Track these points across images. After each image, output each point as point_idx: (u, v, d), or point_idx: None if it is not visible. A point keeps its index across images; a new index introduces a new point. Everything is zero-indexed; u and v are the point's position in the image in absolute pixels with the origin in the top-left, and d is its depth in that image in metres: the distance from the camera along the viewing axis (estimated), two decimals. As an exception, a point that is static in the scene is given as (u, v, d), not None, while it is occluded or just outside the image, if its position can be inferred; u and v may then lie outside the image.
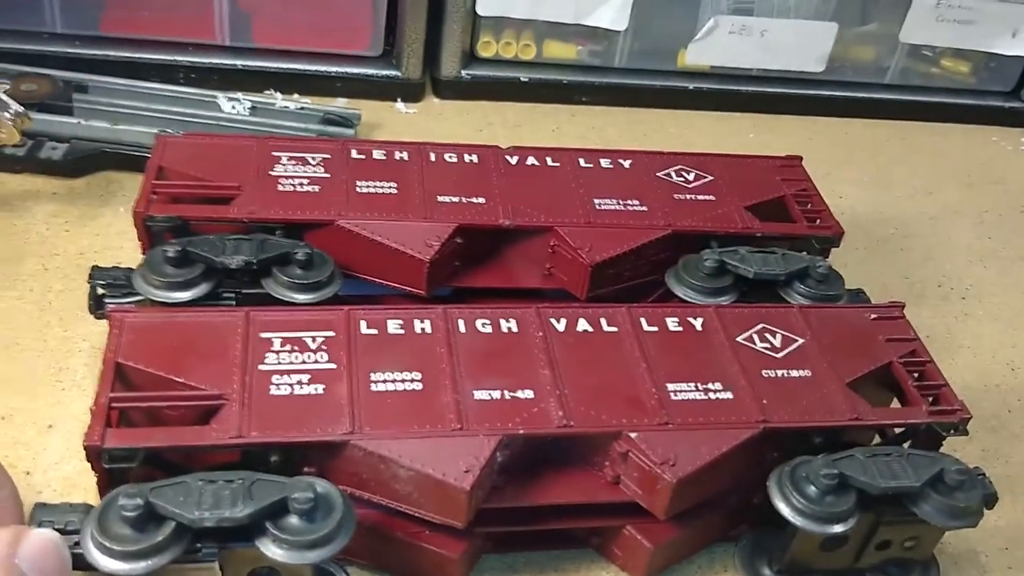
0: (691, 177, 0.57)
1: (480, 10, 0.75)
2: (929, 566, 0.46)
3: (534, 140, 0.74)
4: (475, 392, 0.41)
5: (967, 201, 0.77)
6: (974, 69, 0.86)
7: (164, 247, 0.46)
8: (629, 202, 0.54)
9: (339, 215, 0.50)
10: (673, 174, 0.57)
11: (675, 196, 0.55)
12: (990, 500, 0.43)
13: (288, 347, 0.42)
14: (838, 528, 0.40)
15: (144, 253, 0.50)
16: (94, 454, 0.37)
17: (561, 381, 0.42)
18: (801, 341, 0.46)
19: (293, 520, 0.36)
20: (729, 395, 0.43)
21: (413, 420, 0.40)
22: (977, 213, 0.76)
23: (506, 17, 0.77)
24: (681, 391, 0.43)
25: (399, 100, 0.77)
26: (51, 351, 0.51)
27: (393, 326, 0.44)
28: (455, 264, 0.52)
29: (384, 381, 0.41)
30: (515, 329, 0.45)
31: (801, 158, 0.60)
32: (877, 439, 0.48)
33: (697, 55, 0.80)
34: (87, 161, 0.63)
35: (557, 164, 0.56)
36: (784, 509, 0.40)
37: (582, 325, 0.45)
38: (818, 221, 0.55)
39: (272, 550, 0.36)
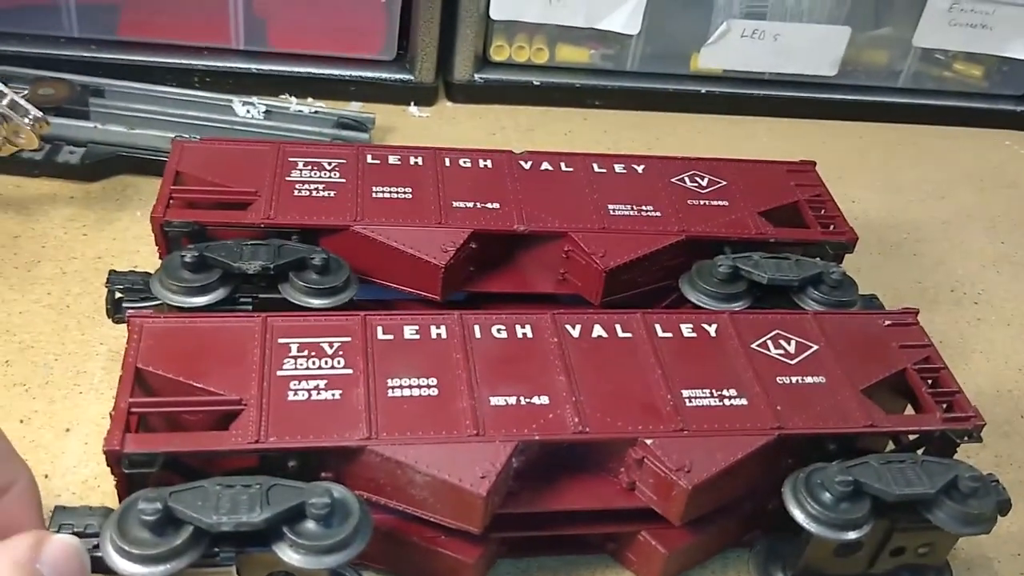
0: (705, 182, 0.57)
1: (493, 14, 0.76)
2: (942, 572, 0.46)
3: (547, 144, 0.75)
4: (491, 398, 0.41)
5: (979, 206, 0.77)
6: (986, 73, 0.86)
7: (182, 252, 0.46)
8: (643, 208, 0.54)
9: (355, 220, 0.50)
10: (687, 179, 0.57)
11: (689, 202, 0.55)
12: (1004, 507, 0.43)
13: (305, 353, 0.42)
14: (853, 535, 0.40)
15: (161, 258, 0.50)
16: (114, 459, 0.37)
17: (576, 387, 0.42)
18: (815, 347, 0.46)
19: (310, 525, 0.36)
20: (744, 402, 0.43)
21: (430, 426, 0.40)
22: (989, 218, 0.76)
23: (519, 21, 0.77)
24: (696, 397, 0.43)
25: (412, 104, 0.78)
26: (69, 355, 0.52)
27: (409, 332, 0.44)
28: (470, 269, 0.52)
29: (400, 387, 0.41)
30: (530, 335, 0.45)
31: (815, 163, 0.60)
32: (891, 446, 0.48)
33: (709, 59, 0.80)
34: (103, 165, 0.64)
35: (571, 169, 0.56)
36: (799, 515, 0.41)
37: (597, 331, 0.45)
38: (832, 227, 0.56)
39: (289, 555, 0.36)
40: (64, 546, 0.33)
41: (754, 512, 0.45)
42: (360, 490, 0.39)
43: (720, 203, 0.55)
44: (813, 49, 0.81)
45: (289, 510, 0.36)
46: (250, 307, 0.47)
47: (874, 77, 0.84)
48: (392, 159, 0.55)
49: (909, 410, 0.48)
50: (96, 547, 0.35)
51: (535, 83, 0.79)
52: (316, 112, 0.70)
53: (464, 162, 0.56)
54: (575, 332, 0.45)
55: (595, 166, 0.57)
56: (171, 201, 0.50)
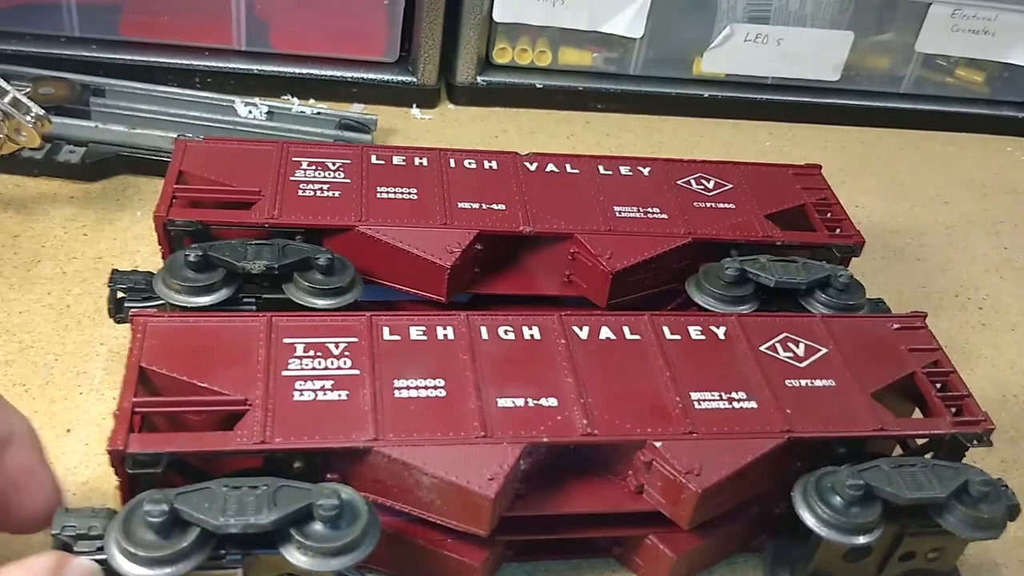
0: (711, 185, 0.57)
1: (496, 17, 0.75)
2: (951, 577, 0.46)
3: (549, 147, 0.74)
4: (498, 400, 0.41)
5: (982, 211, 0.77)
6: (988, 79, 0.86)
7: (186, 251, 0.46)
8: (649, 210, 0.54)
9: (359, 221, 0.50)
10: (693, 182, 0.57)
11: (695, 204, 0.55)
12: (1014, 512, 0.42)
13: (311, 353, 0.42)
14: (863, 539, 0.40)
15: (164, 257, 0.50)
16: (117, 459, 0.37)
17: (584, 389, 0.42)
18: (824, 351, 0.46)
19: (318, 527, 0.35)
20: (753, 404, 0.43)
21: (437, 427, 0.40)
22: (992, 223, 0.75)
23: (522, 24, 0.77)
24: (705, 400, 0.43)
25: (414, 106, 0.77)
26: (69, 355, 0.51)
27: (416, 332, 0.44)
28: (475, 270, 0.52)
29: (407, 388, 0.41)
30: (537, 336, 0.45)
31: (820, 167, 0.60)
32: (898, 449, 0.48)
33: (713, 63, 0.80)
34: (104, 165, 0.63)
35: (576, 171, 0.56)
36: (809, 519, 0.40)
37: (605, 333, 0.45)
38: (838, 230, 0.55)
39: (296, 557, 0.35)
40: (84, 571, 0.33)
41: (762, 516, 0.45)
42: (366, 491, 0.39)
43: (726, 206, 0.55)
44: (816, 54, 0.80)
45: (297, 512, 0.35)
46: (254, 307, 0.47)
47: (876, 82, 0.84)
48: (397, 159, 0.55)
49: (917, 414, 0.47)
50: (100, 549, 0.35)
51: (538, 86, 0.79)
52: (319, 113, 0.70)
53: (469, 163, 0.55)
54: (583, 334, 0.45)
55: (601, 168, 0.57)
56: (174, 200, 0.49)
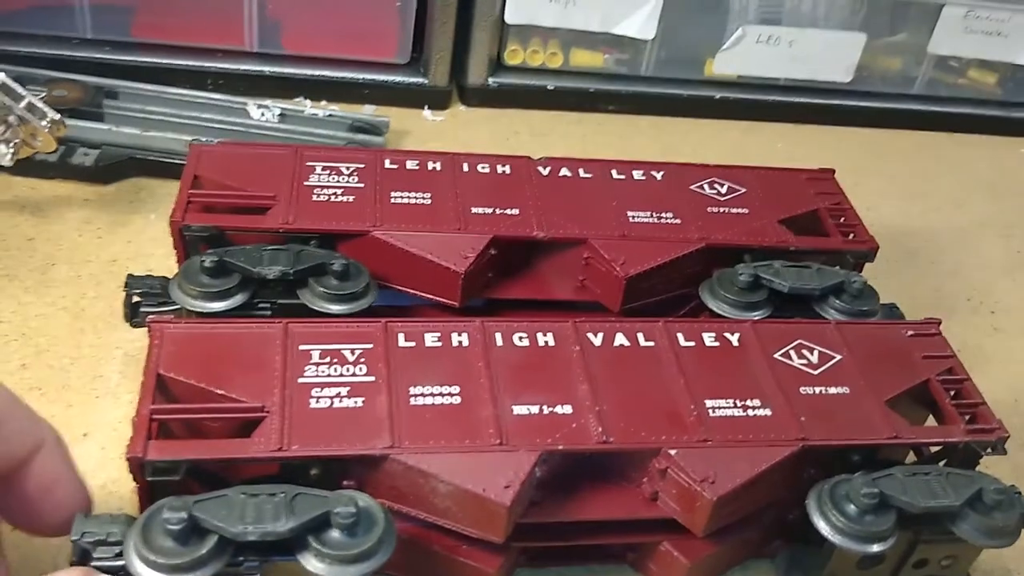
0: (724, 190, 0.57)
1: (508, 18, 0.75)
2: (964, 585, 0.46)
3: (561, 148, 0.74)
4: (514, 407, 0.41)
5: (995, 214, 0.77)
6: (1001, 80, 0.86)
7: (201, 257, 0.46)
8: (663, 215, 0.54)
9: (374, 226, 0.50)
10: (706, 187, 0.57)
11: (708, 209, 0.55)
12: (1028, 520, 0.43)
13: (327, 359, 0.42)
14: (877, 547, 0.40)
15: (179, 262, 0.50)
16: (136, 466, 0.37)
17: (599, 396, 0.42)
18: (838, 358, 0.46)
19: (335, 534, 0.36)
20: (768, 412, 0.43)
21: (452, 435, 0.40)
22: (1005, 226, 0.75)
23: (533, 25, 0.77)
24: (720, 407, 0.43)
25: (426, 107, 0.77)
26: (85, 358, 0.51)
27: (431, 339, 0.44)
28: (488, 275, 0.52)
29: (423, 395, 0.41)
30: (552, 343, 0.45)
31: (834, 171, 0.60)
32: (911, 456, 0.48)
33: (724, 64, 0.80)
34: (117, 167, 0.63)
35: (590, 175, 0.56)
36: (824, 527, 0.40)
37: (619, 339, 0.45)
38: (852, 235, 0.55)
39: (314, 564, 0.35)
40: None
41: (776, 523, 0.45)
42: (382, 498, 0.39)
43: (740, 211, 0.55)
44: (828, 55, 0.80)
45: (314, 519, 0.35)
46: (269, 312, 0.47)
47: (889, 84, 0.84)
48: (410, 164, 0.55)
49: (930, 421, 0.47)
50: (119, 555, 0.35)
51: (549, 87, 0.79)
52: (331, 116, 0.70)
53: (482, 168, 0.55)
54: (597, 340, 0.45)
55: (614, 172, 0.57)
56: (189, 205, 0.49)
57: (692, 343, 0.46)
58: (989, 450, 0.44)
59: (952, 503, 0.41)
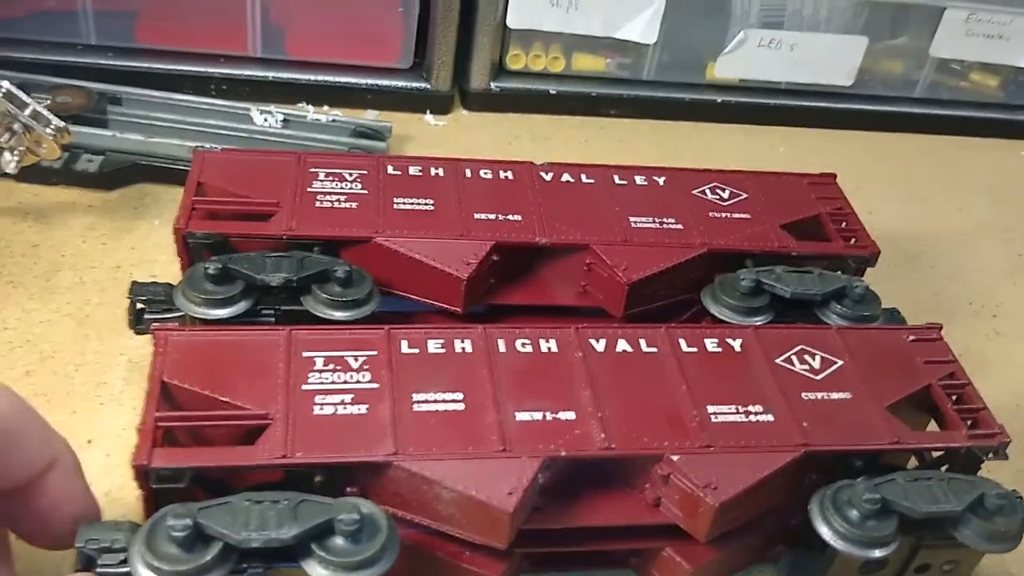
0: (726, 195, 0.57)
1: (510, 23, 0.76)
2: (966, 590, 0.46)
3: (563, 152, 0.75)
4: (517, 413, 0.41)
5: (996, 217, 0.77)
6: (1003, 83, 0.86)
7: (205, 264, 0.46)
8: (665, 220, 0.54)
9: (377, 232, 0.50)
10: (708, 192, 0.57)
11: (710, 214, 0.55)
12: (1029, 524, 0.43)
13: (331, 366, 0.42)
14: (880, 552, 0.40)
15: (183, 268, 0.50)
16: (142, 474, 0.37)
17: (602, 402, 0.42)
18: (840, 363, 0.46)
19: (339, 541, 0.36)
20: (770, 418, 0.43)
21: (456, 441, 0.40)
22: (1006, 229, 0.75)
23: (535, 30, 0.77)
24: (722, 413, 0.43)
25: (428, 112, 0.77)
26: (89, 365, 0.52)
27: (434, 346, 0.44)
28: (490, 281, 0.52)
29: (426, 401, 0.41)
30: (555, 349, 0.45)
31: (835, 175, 0.60)
32: (913, 461, 0.48)
33: (726, 68, 0.80)
34: (121, 174, 0.64)
35: (592, 181, 0.56)
36: (826, 533, 0.40)
37: (622, 345, 0.45)
38: (853, 240, 0.55)
39: (318, 571, 0.36)
40: None
41: (778, 528, 0.45)
42: (385, 505, 0.39)
43: (742, 216, 0.55)
44: (830, 59, 0.81)
45: (318, 526, 0.36)
46: (272, 319, 0.47)
47: (891, 87, 0.84)
48: (413, 170, 0.55)
49: (932, 426, 0.48)
50: (123, 562, 0.35)
51: (551, 92, 0.79)
52: (333, 121, 0.70)
53: (485, 173, 0.56)
54: (600, 347, 0.45)
55: (616, 178, 0.57)
56: (193, 212, 0.50)
57: (694, 349, 0.46)
58: (991, 455, 0.45)
59: (954, 508, 0.41)
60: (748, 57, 0.79)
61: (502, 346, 0.44)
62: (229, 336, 0.43)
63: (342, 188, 0.53)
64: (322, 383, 0.41)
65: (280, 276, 0.46)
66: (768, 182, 0.58)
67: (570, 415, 0.42)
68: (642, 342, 0.46)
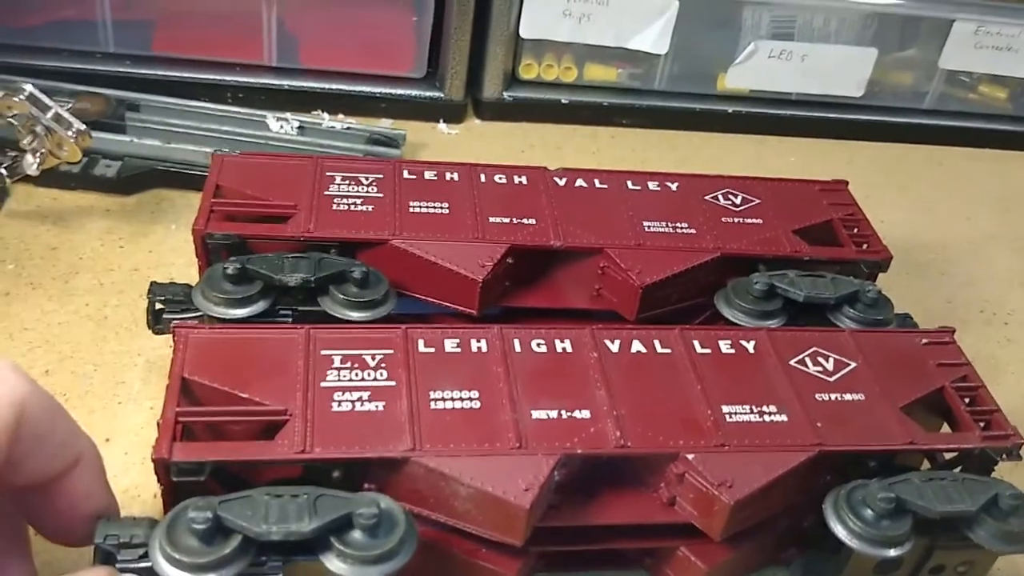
0: (738, 200, 0.57)
1: (523, 33, 0.76)
2: (980, 591, 0.46)
3: (575, 161, 0.74)
4: (532, 411, 0.42)
5: (1005, 227, 0.77)
6: (1012, 95, 0.86)
7: (224, 264, 0.47)
8: (678, 225, 0.54)
9: (393, 235, 0.51)
10: (720, 197, 0.57)
11: (723, 219, 0.55)
12: (1044, 526, 0.43)
13: (349, 364, 0.42)
14: (894, 552, 0.40)
15: (201, 270, 0.50)
16: (162, 468, 0.37)
17: (617, 401, 0.43)
18: (853, 365, 0.47)
19: (357, 535, 0.36)
20: (784, 418, 0.43)
21: (472, 438, 0.40)
22: (1015, 238, 0.76)
23: (548, 40, 0.78)
24: (736, 413, 0.43)
25: (441, 121, 0.78)
26: (108, 365, 0.52)
27: (450, 345, 0.44)
28: (505, 284, 0.52)
29: (443, 399, 0.42)
30: (569, 349, 0.45)
31: (847, 182, 0.61)
32: (925, 464, 0.48)
33: (737, 79, 0.81)
34: (139, 179, 0.64)
35: (605, 186, 0.57)
36: (841, 532, 0.41)
37: (636, 346, 0.46)
38: (866, 246, 0.56)
39: (336, 564, 0.36)
40: None
41: (791, 530, 0.45)
42: (402, 501, 0.39)
43: (754, 221, 0.56)
44: (840, 70, 0.81)
45: (337, 520, 0.36)
46: (290, 319, 0.48)
47: (900, 98, 0.85)
48: (428, 174, 0.55)
49: (945, 428, 0.48)
50: (142, 557, 0.36)
51: (563, 101, 0.80)
52: (348, 128, 0.71)
53: (499, 178, 0.56)
54: (614, 347, 0.45)
55: (629, 183, 0.57)
56: (212, 214, 0.50)
57: (708, 350, 0.46)
58: (1004, 456, 0.45)
59: (968, 508, 0.41)
60: (759, 68, 0.80)
61: (518, 346, 0.45)
62: (249, 334, 0.44)
63: (358, 192, 0.53)
64: (340, 380, 0.42)
65: (298, 276, 0.47)
66: (780, 188, 0.59)
67: (585, 414, 0.42)
68: (656, 343, 0.46)
